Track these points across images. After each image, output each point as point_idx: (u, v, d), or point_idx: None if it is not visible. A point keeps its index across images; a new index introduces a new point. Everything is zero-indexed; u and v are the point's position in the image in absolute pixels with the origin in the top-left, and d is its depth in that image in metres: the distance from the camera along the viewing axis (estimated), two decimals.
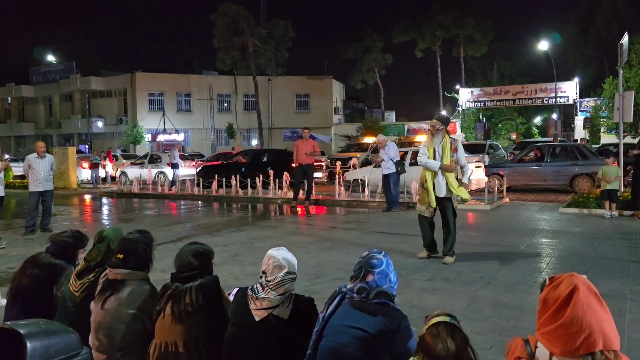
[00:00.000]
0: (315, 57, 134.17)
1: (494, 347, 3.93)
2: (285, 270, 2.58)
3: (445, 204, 6.67)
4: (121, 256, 2.90)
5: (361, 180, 14.18)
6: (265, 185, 15.17)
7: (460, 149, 6.73)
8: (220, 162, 20.54)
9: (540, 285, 1.81)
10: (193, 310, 2.67)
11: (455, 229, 6.75)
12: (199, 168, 19.75)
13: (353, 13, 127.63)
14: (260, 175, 15.32)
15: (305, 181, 13.01)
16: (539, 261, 6.82)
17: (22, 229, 9.93)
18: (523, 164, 15.28)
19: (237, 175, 15.87)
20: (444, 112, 48.03)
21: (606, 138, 27.61)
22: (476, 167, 13.69)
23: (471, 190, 12.99)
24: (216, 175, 16.43)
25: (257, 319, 2.51)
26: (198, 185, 16.96)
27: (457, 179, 6.64)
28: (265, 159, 18.23)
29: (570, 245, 7.78)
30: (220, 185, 16.19)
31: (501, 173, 14.99)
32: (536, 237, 8.47)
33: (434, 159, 6.61)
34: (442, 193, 6.60)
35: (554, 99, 34.74)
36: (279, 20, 43.94)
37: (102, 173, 23.12)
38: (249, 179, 15.44)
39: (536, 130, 44.85)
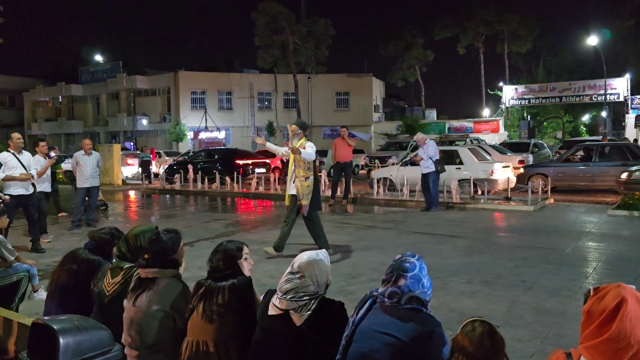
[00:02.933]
0: (355, 54, 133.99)
1: (535, 355, 3.78)
2: (309, 284, 2.52)
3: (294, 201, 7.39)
4: (147, 256, 2.92)
5: (388, 178, 14.05)
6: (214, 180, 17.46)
7: (307, 145, 7.24)
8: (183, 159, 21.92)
9: (584, 295, 1.69)
10: (225, 311, 2.66)
11: (291, 227, 7.34)
12: (167, 166, 21.33)
13: (393, 10, 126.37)
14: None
15: (344, 179, 13.06)
16: (585, 266, 6.55)
17: (69, 224, 10.26)
18: (569, 164, 14.74)
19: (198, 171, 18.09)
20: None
21: None
22: (504, 167, 13.27)
23: (510, 192, 12.62)
24: (174, 171, 19.19)
25: (271, 312, 2.51)
26: (165, 180, 19.36)
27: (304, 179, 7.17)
28: (216, 156, 20.54)
29: (619, 249, 7.44)
30: (181, 180, 18.35)
31: (545, 173, 14.52)
32: (582, 240, 8.14)
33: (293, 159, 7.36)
34: (290, 191, 7.38)
35: (603, 96, 33.42)
36: (319, 19, 43.98)
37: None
38: (200, 174, 17.69)
39: (584, 128, 43.20)
